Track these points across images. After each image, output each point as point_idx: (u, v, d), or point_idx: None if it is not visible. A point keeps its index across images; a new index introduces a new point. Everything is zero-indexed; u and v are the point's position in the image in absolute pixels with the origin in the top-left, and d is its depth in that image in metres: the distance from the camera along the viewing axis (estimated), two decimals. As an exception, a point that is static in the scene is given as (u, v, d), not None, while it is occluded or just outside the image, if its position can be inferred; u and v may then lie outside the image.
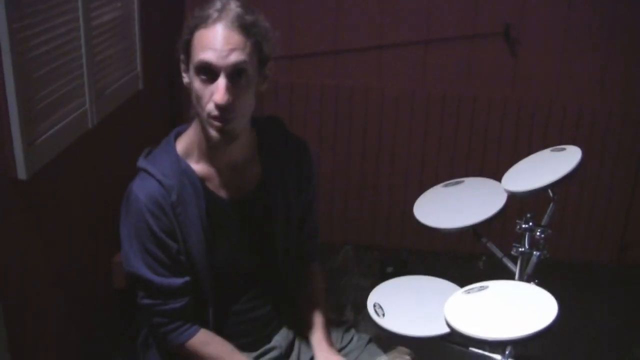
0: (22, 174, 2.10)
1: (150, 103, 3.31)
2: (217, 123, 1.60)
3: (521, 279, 2.11)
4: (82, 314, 2.65)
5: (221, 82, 1.57)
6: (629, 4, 3.56)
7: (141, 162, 1.72)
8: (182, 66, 1.68)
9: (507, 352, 2.01)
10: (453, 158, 3.84)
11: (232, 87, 1.58)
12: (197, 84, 1.60)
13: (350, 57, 3.75)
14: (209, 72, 1.58)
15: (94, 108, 2.57)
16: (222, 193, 1.76)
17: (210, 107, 1.59)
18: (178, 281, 1.70)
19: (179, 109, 3.61)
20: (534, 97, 3.72)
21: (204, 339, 1.75)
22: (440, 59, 3.72)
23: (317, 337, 1.84)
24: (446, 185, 2.35)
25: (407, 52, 3.71)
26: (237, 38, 1.58)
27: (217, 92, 1.57)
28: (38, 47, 2.19)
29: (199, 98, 1.61)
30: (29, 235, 2.24)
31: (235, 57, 1.57)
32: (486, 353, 2.01)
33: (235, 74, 1.59)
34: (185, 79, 1.68)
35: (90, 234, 2.67)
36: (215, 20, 1.58)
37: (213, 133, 1.62)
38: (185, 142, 1.75)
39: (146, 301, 1.71)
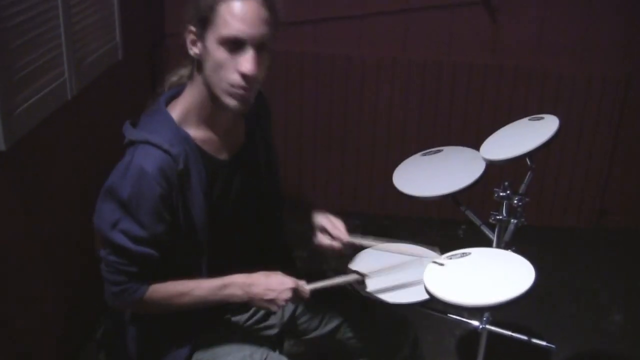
0: (1, 144, 2.09)
1: (130, 73, 3.28)
2: (240, 92, 1.66)
3: (499, 246, 2.14)
4: (67, 283, 2.66)
5: (251, 54, 1.63)
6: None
7: (136, 134, 1.70)
8: (191, 37, 1.69)
9: (484, 318, 2.04)
10: (434, 126, 3.86)
11: (257, 59, 1.64)
12: (220, 55, 1.63)
13: (331, 25, 3.74)
14: (236, 44, 1.63)
15: (73, 78, 2.55)
16: (220, 155, 1.80)
17: (234, 77, 1.64)
18: (156, 253, 1.70)
19: (159, 79, 3.58)
20: (514, 64, 3.74)
21: (158, 285, 1.75)
22: (421, 27, 3.72)
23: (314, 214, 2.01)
24: (425, 154, 2.36)
25: (388, 20, 3.71)
26: (265, 13, 1.65)
27: (247, 64, 1.63)
28: (14, 16, 2.17)
29: (219, 68, 1.64)
30: (10, 205, 2.23)
31: (264, 32, 1.65)
32: (464, 319, 2.05)
33: (260, 47, 1.65)
34: (195, 50, 1.69)
35: (72, 203, 2.67)
36: None
37: (232, 102, 1.68)
38: (180, 108, 1.75)
39: (111, 258, 1.71)
